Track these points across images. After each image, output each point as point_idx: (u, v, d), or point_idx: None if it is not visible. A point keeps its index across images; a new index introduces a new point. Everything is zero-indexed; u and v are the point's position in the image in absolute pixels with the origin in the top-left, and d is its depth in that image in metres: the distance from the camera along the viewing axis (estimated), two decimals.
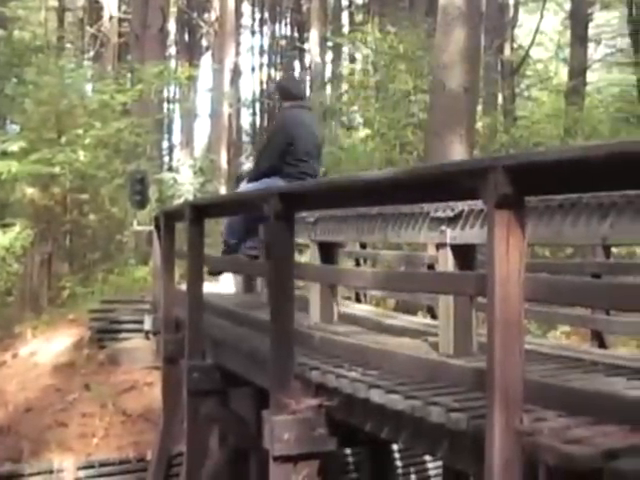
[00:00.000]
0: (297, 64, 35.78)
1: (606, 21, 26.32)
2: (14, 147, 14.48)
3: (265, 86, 35.19)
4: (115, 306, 12.38)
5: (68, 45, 27.33)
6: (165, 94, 28.41)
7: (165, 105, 30.61)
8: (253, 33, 37.00)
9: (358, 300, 8.55)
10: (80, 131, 15.27)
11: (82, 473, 9.55)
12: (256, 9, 36.55)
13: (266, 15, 36.44)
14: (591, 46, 24.56)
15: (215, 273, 8.09)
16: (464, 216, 4.49)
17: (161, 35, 21.43)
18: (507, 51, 23.14)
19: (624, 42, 25.32)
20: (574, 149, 2.71)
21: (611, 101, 21.79)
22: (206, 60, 33.81)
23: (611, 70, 27.70)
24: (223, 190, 19.47)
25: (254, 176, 7.24)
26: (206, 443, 7.05)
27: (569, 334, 9.95)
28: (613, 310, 5.12)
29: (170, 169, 23.14)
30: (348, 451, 9.32)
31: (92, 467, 9.61)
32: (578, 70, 20.67)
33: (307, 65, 32.35)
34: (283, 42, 36.22)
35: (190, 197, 17.09)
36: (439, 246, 4.75)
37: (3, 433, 10.05)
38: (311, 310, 6.18)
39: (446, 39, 11.33)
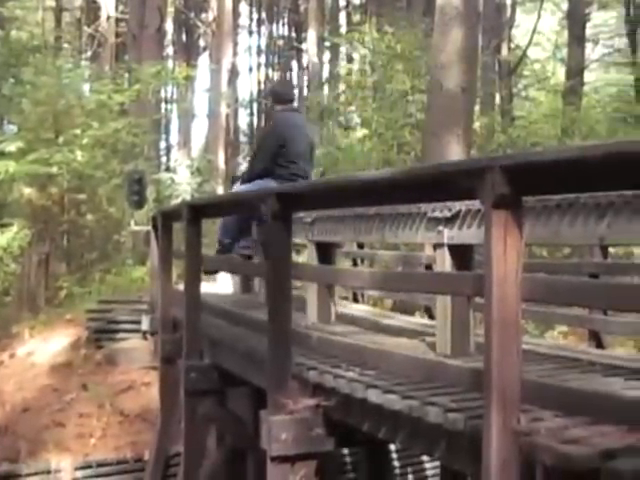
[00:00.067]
0: (294, 64, 35.80)
1: (603, 21, 26.35)
2: (12, 147, 14.46)
3: (263, 86, 35.16)
4: (112, 306, 12.36)
5: (65, 45, 27.35)
6: (162, 94, 28.37)
7: (163, 105, 30.58)
8: (250, 33, 37.02)
9: (355, 300, 8.56)
10: (78, 131, 15.26)
11: (79, 473, 9.53)
12: (253, 9, 36.55)
13: (263, 15, 36.44)
14: (588, 46, 24.63)
15: (211, 272, 8.12)
16: (461, 216, 4.49)
17: (158, 35, 21.44)
18: (504, 51, 23.17)
19: (621, 42, 25.39)
20: (571, 149, 2.72)
21: (608, 101, 21.79)
22: (203, 60, 33.86)
23: (608, 70, 27.74)
24: (220, 190, 19.45)
25: (247, 178, 7.39)
26: (204, 443, 7.05)
27: (566, 334, 9.95)
28: (610, 310, 5.12)
29: (168, 169, 23.16)
30: (346, 451, 9.31)
31: (89, 467, 9.60)
32: (575, 70, 20.71)
33: (304, 65, 32.35)
34: (280, 42, 36.20)
35: (187, 197, 17.07)
36: (436, 246, 4.76)
37: (0, 433, 10.03)
38: (309, 310, 6.18)
39: (443, 39, 11.33)
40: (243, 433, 6.52)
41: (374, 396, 3.76)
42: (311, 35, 26.71)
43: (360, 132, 19.12)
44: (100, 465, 9.64)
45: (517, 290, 2.72)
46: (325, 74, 28.28)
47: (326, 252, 6.18)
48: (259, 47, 36.66)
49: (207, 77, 30.37)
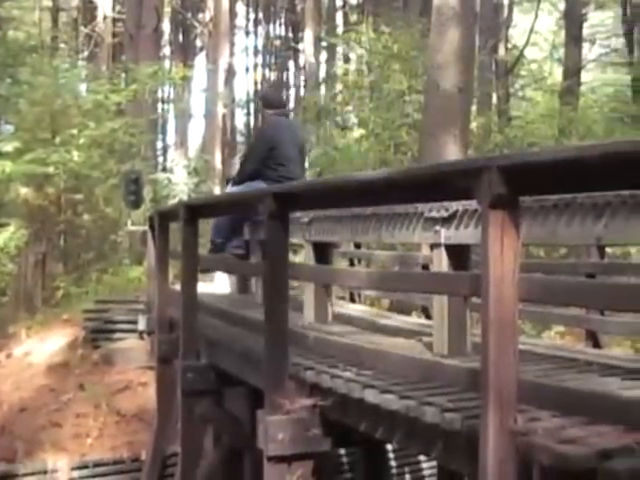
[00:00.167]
0: (291, 64, 35.80)
1: (600, 21, 26.41)
2: (8, 147, 14.46)
3: (259, 86, 35.15)
4: (109, 306, 12.36)
5: (62, 45, 27.30)
6: (159, 94, 28.32)
7: (159, 105, 30.52)
8: (247, 33, 37.02)
9: (352, 300, 8.55)
10: (74, 131, 15.27)
11: (76, 473, 9.53)
12: (250, 9, 36.52)
13: (260, 15, 36.41)
14: (585, 46, 24.66)
15: (205, 270, 8.17)
16: (458, 216, 4.48)
17: (155, 35, 21.41)
18: (501, 51, 23.19)
19: (618, 42, 25.44)
20: (568, 149, 2.72)
21: (605, 101, 21.81)
22: (200, 60, 33.90)
23: (605, 70, 27.79)
24: (217, 190, 19.43)
25: (239, 179, 7.64)
26: (200, 443, 7.04)
27: (563, 334, 9.96)
28: (607, 310, 5.12)
29: (164, 169, 23.09)
30: (342, 451, 9.31)
31: (86, 467, 9.59)
32: (572, 70, 20.74)
33: (301, 65, 32.34)
34: (277, 42, 36.20)
35: (184, 197, 17.07)
36: (433, 246, 4.75)
37: None
38: (305, 310, 6.18)
39: (440, 39, 11.34)
40: (240, 433, 6.51)
41: (371, 396, 3.75)
42: (308, 35, 26.70)
43: (357, 132, 19.10)
44: (97, 465, 9.64)
45: (514, 290, 2.71)
46: (322, 74, 28.25)
47: (323, 252, 6.17)
48: (256, 47, 36.71)
49: (204, 77, 30.47)
